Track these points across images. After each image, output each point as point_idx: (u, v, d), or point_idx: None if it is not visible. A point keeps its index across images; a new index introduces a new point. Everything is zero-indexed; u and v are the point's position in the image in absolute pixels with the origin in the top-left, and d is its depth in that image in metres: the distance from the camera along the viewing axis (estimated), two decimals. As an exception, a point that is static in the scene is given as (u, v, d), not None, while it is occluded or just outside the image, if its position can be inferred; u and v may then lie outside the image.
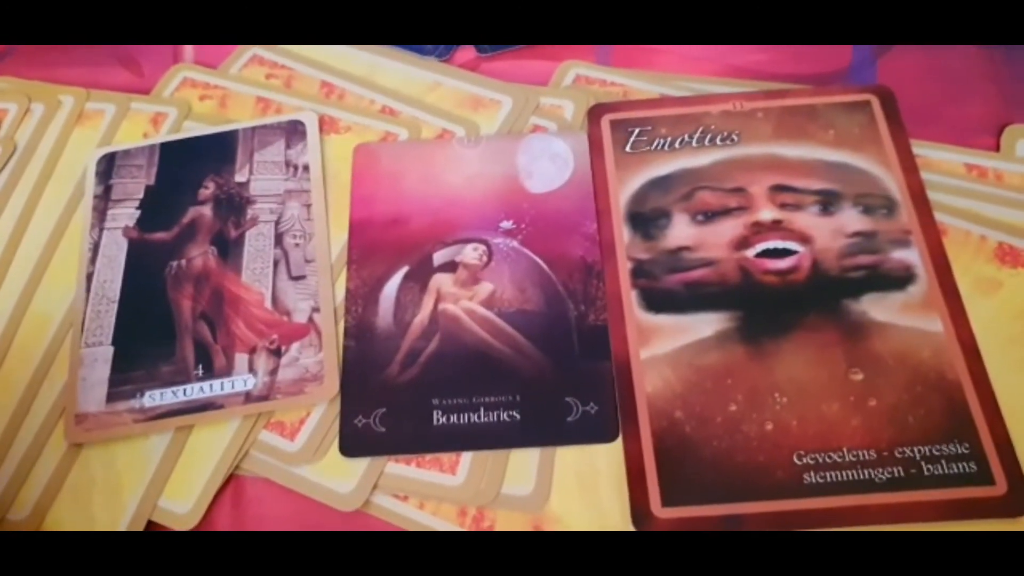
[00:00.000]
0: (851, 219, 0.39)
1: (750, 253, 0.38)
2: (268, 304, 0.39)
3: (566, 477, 0.35)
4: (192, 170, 0.43)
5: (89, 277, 0.40)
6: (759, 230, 0.39)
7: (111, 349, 0.38)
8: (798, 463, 0.33)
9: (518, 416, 0.35)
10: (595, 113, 0.43)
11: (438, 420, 0.36)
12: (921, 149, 0.41)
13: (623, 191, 0.41)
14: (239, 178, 0.42)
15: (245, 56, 0.47)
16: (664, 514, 0.33)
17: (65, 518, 0.35)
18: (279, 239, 0.40)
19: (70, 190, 0.43)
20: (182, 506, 0.35)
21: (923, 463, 0.33)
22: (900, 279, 0.37)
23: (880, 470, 0.33)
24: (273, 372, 0.37)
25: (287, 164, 0.43)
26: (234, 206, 0.42)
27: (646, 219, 0.40)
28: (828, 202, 0.39)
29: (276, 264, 0.40)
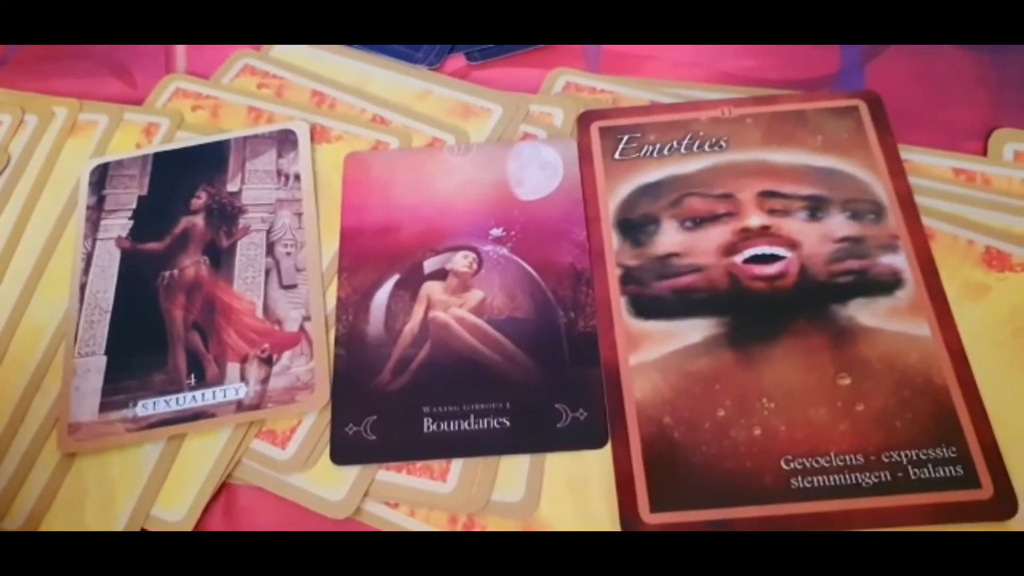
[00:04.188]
0: (839, 224, 0.39)
1: (738, 259, 0.38)
2: (259, 313, 0.39)
3: (556, 483, 0.35)
4: (184, 180, 0.43)
5: (82, 287, 0.40)
6: (747, 236, 0.39)
7: (104, 359, 0.38)
8: (786, 468, 0.34)
9: (508, 423, 0.36)
10: (584, 120, 0.43)
11: (428, 427, 0.36)
12: (909, 154, 0.41)
13: (612, 198, 0.41)
14: (231, 187, 0.43)
15: (237, 66, 0.48)
16: (652, 520, 0.33)
17: (59, 527, 0.35)
18: (271, 248, 0.41)
19: (63, 201, 0.43)
20: (175, 515, 0.35)
21: (910, 467, 0.33)
22: (888, 284, 0.37)
23: (867, 474, 0.33)
24: (264, 381, 0.37)
25: (279, 173, 0.43)
26: (226, 215, 0.42)
27: (635, 226, 0.40)
28: (816, 207, 0.40)
29: (268, 273, 0.40)
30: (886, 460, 0.33)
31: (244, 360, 0.38)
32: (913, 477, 0.33)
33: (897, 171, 0.40)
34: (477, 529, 0.34)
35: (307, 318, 0.39)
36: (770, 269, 0.38)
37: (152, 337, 0.38)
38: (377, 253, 0.40)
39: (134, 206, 0.43)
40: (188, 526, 0.35)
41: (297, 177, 0.43)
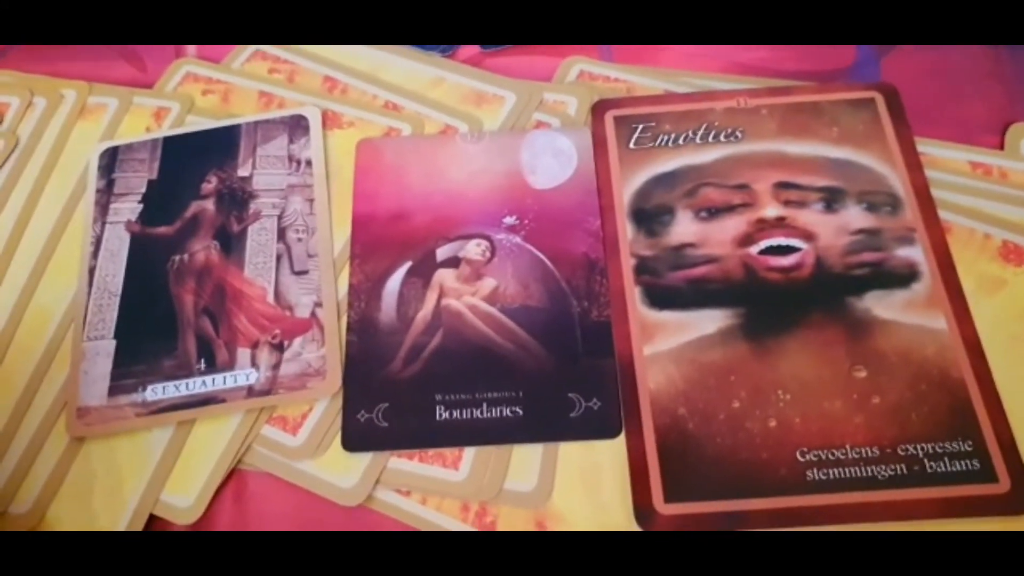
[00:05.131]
0: (855, 216, 0.39)
1: (754, 250, 0.38)
2: (270, 299, 0.39)
3: (569, 473, 0.35)
4: (195, 164, 0.43)
5: (91, 271, 0.40)
6: (763, 227, 0.39)
7: (113, 343, 0.38)
8: (801, 460, 0.33)
9: (521, 412, 0.35)
10: (599, 109, 0.43)
11: (441, 415, 0.35)
12: (925, 147, 0.41)
13: (627, 187, 0.41)
14: (242, 172, 0.42)
15: (248, 51, 0.47)
16: (667, 510, 0.33)
17: (66, 512, 0.35)
18: (282, 234, 0.40)
19: (72, 184, 0.43)
20: (184, 500, 0.35)
21: (926, 460, 0.33)
22: (904, 277, 0.37)
23: (883, 467, 0.33)
24: (275, 367, 0.37)
25: (290, 159, 0.43)
26: (237, 201, 0.41)
27: (649, 215, 0.40)
28: (832, 199, 0.39)
29: (279, 259, 0.40)
30: (902, 453, 0.33)
31: (255, 346, 0.37)
32: (929, 470, 0.33)
33: (914, 164, 0.40)
34: (489, 518, 0.34)
35: (318, 304, 0.38)
36: (786, 260, 0.38)
37: (162, 322, 0.38)
38: (389, 240, 0.40)
39: (144, 190, 0.42)
40: (197, 512, 0.35)
41: (309, 163, 0.42)
